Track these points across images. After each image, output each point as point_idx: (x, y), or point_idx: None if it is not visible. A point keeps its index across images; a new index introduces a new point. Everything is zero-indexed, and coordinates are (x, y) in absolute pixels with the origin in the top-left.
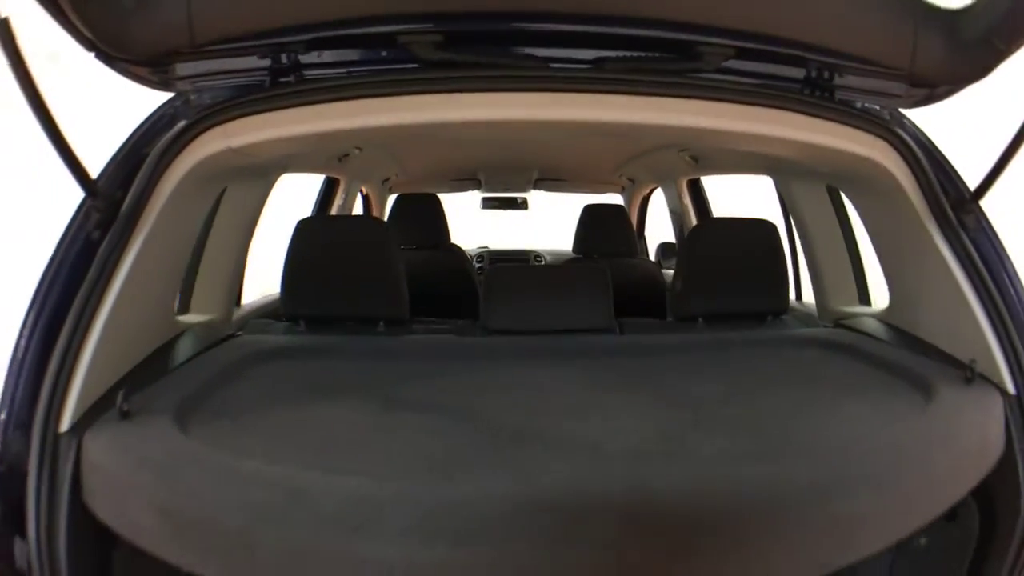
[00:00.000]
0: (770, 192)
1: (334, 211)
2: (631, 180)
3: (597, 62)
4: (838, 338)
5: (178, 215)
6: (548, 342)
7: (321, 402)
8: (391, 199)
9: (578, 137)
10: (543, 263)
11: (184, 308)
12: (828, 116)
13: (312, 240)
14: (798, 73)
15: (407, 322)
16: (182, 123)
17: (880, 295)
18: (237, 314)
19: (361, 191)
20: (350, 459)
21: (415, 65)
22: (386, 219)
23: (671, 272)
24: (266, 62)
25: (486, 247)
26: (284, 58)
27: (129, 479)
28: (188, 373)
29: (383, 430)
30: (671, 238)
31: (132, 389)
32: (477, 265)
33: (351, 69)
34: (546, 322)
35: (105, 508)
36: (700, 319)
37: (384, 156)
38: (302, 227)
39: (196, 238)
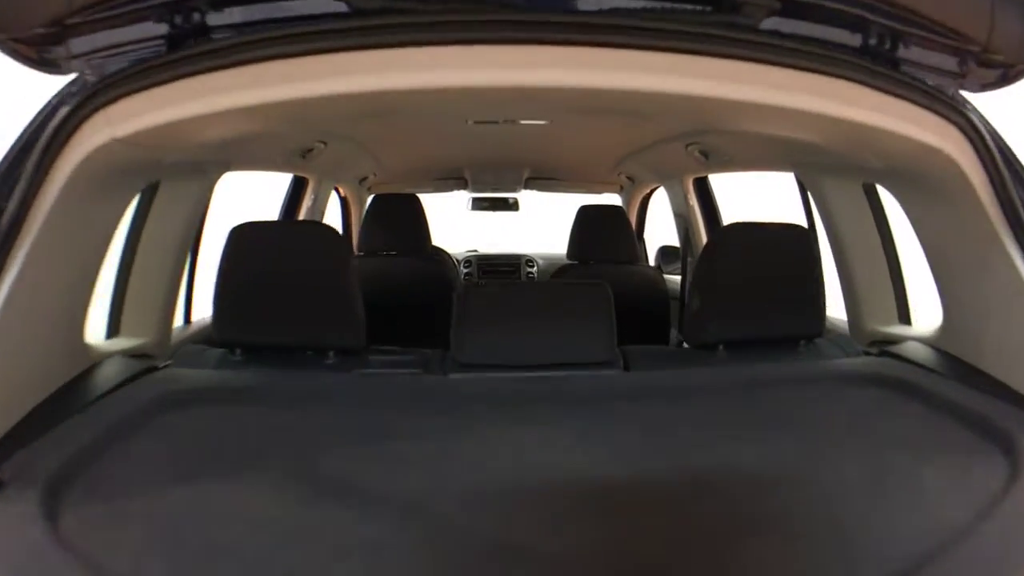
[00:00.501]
0: (769, 191)
1: (302, 214)
2: (630, 179)
3: (606, 8)
4: (888, 372)
5: (73, 223)
6: (534, 384)
7: (230, 479)
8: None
9: (576, 115)
10: (535, 268)
11: (113, 330)
12: (894, 90)
13: (249, 250)
14: (854, 39)
15: (363, 352)
16: (63, 111)
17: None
18: (178, 335)
19: (338, 192)
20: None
21: (344, 11)
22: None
23: (673, 277)
24: (163, 27)
25: (475, 251)
26: (182, 19)
27: None
28: (81, 425)
29: (299, 536)
30: (666, 240)
31: (14, 444)
32: (464, 271)
33: (270, 30)
34: (532, 355)
35: None
36: (720, 346)
37: (357, 152)
38: (237, 234)
39: (105, 248)
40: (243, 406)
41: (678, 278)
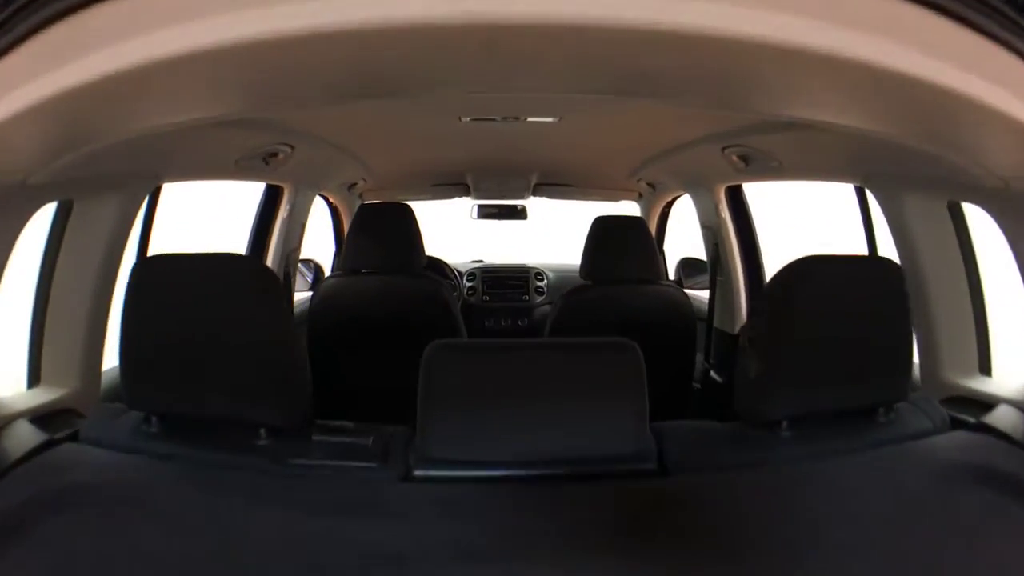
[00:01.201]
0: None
1: (277, 227)
2: (651, 186)
3: None
4: (998, 462)
5: None
6: (532, 505)
7: None
8: None
9: (590, 109)
10: (545, 282)
11: (34, 378)
12: None
13: (158, 291)
14: None
15: (306, 429)
16: None
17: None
18: (111, 379)
19: (328, 201)
20: None
21: None
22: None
23: (697, 294)
24: None
25: (480, 262)
26: None
27: None
28: None
29: None
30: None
31: None
32: (467, 284)
33: None
34: (530, 450)
35: None
36: (784, 423)
37: (336, 155)
38: (142, 271)
39: None
40: (139, 518)
41: (701, 293)
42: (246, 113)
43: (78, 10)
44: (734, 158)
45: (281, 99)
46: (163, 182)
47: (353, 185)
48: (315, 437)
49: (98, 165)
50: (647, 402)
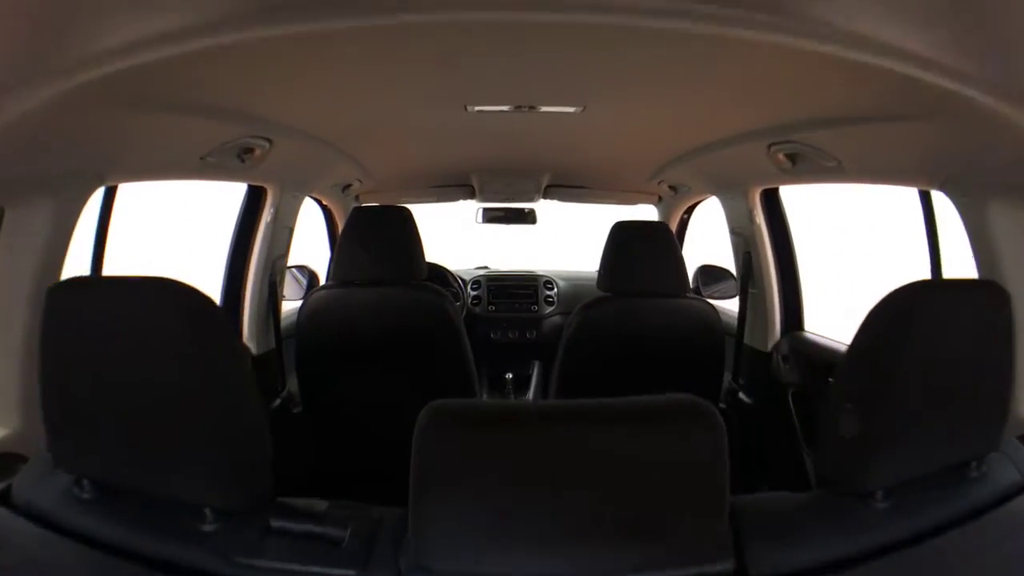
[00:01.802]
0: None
1: (260, 232)
2: (673, 188)
3: None
4: None
5: None
6: None
7: None
8: None
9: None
10: (555, 291)
11: None
12: None
13: (77, 328)
14: None
15: (262, 513)
16: None
17: None
18: None
19: (320, 203)
20: None
21: None
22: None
23: (723, 307)
24: None
25: (485, 268)
26: None
27: None
28: None
29: None
30: None
31: None
32: (472, 293)
33: None
34: (568, 561)
35: None
36: (879, 493)
37: (325, 152)
38: (57, 301)
39: None
40: None
41: (721, 304)
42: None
43: None
44: (780, 157)
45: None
46: (109, 183)
47: (348, 186)
48: (274, 523)
49: (31, 163)
50: (728, 486)
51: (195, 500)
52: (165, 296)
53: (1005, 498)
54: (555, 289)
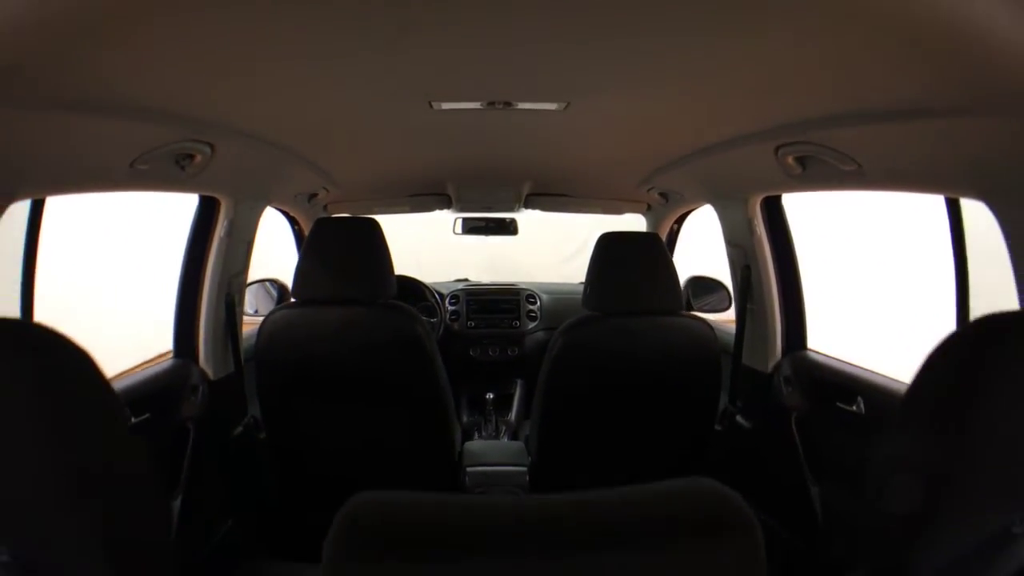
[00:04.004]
0: None
1: (214, 247)
2: (663, 196)
3: None
4: None
5: None
6: None
7: None
8: None
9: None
10: (538, 305)
11: None
12: None
13: None
14: None
15: None
16: None
17: None
18: None
19: (287, 215)
20: None
21: None
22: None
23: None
24: None
25: (465, 280)
26: None
27: None
28: None
29: None
30: None
31: None
32: (451, 308)
33: None
34: None
35: None
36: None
37: (282, 157)
38: None
39: None
40: None
41: (712, 316)
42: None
43: None
44: (790, 160)
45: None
46: (22, 198)
47: (314, 195)
48: None
49: None
50: None
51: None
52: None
53: None
54: (538, 303)
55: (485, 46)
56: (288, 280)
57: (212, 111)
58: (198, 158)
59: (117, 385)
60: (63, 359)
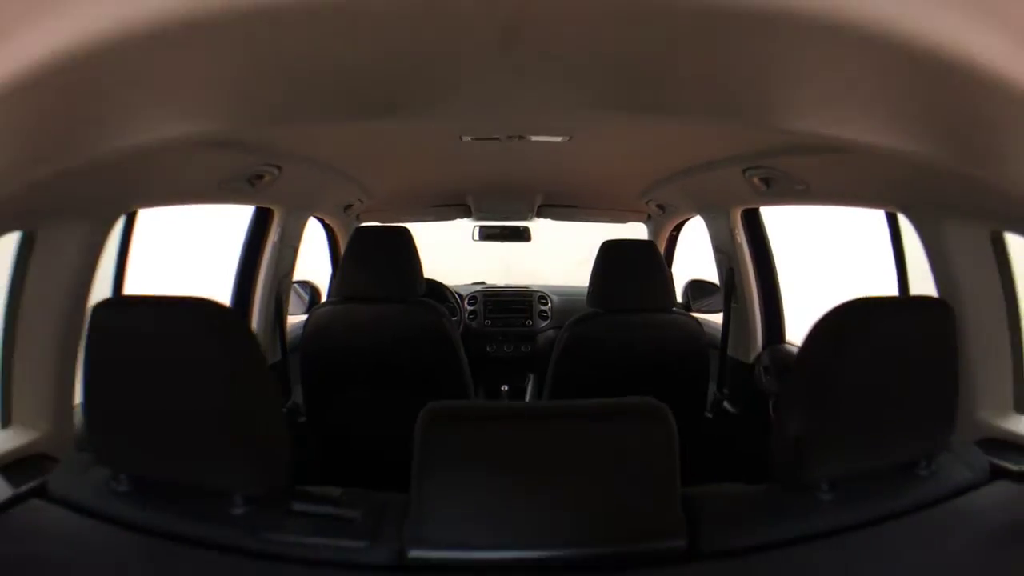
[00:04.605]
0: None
1: (267, 252)
2: (660, 208)
3: None
4: None
5: None
6: None
7: None
8: None
9: (603, 127)
10: (549, 306)
11: (6, 419)
12: None
13: (120, 340)
14: None
15: (283, 499)
16: None
17: None
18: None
19: (323, 222)
20: None
21: None
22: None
23: (706, 317)
24: None
25: (482, 283)
26: None
27: None
28: None
29: None
30: None
31: None
32: (469, 308)
33: None
34: (541, 530)
35: None
36: (823, 484)
37: (330, 175)
38: (101, 316)
39: None
40: None
41: (710, 317)
42: (229, 133)
43: None
44: (755, 180)
45: (266, 115)
46: (135, 208)
47: (349, 206)
48: (296, 506)
49: (62, 191)
50: (679, 473)
51: (226, 488)
52: (199, 313)
53: (952, 495)
54: (549, 304)
55: (508, 98)
56: (312, 279)
57: (286, 142)
58: (267, 177)
59: None
60: (240, 329)
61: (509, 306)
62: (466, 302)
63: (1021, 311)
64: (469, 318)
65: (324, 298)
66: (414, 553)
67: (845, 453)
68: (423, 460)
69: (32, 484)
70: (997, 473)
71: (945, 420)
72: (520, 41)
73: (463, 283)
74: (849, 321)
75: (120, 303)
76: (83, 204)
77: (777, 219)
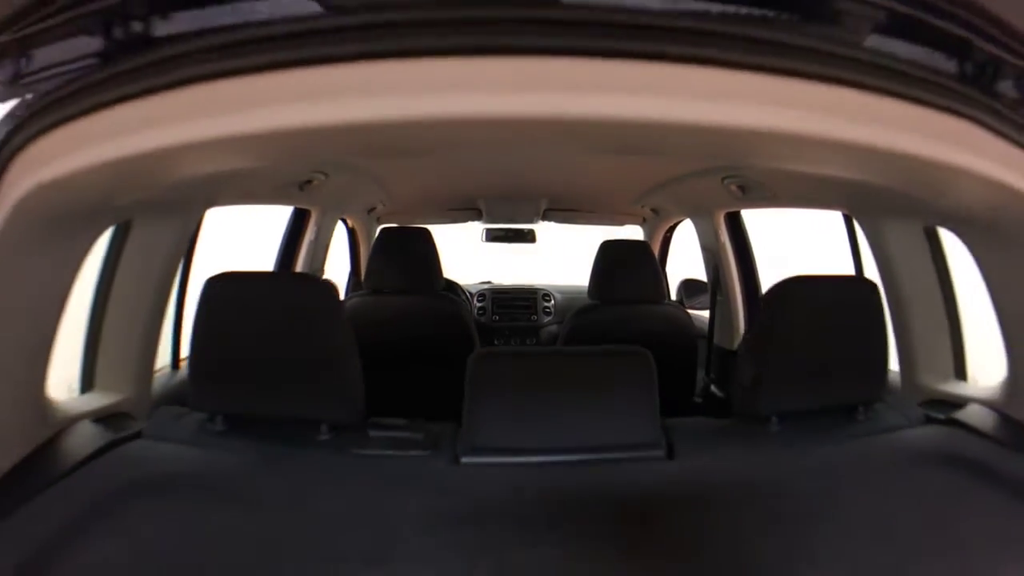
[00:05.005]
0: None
1: (303, 248)
2: (654, 211)
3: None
4: (960, 449)
5: (14, 278)
6: (562, 479)
7: None
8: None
9: (608, 155)
10: (552, 303)
11: (88, 384)
12: (1000, 129)
13: (227, 305)
14: (950, 65)
15: (361, 426)
16: None
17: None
18: (164, 383)
19: (346, 223)
20: None
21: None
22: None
23: (697, 313)
24: (97, 41)
25: (488, 283)
26: (121, 30)
27: None
28: (34, 516)
29: None
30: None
31: None
32: (477, 305)
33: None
34: (560, 439)
35: None
36: (774, 418)
37: (363, 182)
38: (213, 287)
39: (62, 301)
40: (217, 501)
41: (703, 313)
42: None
43: (149, 94)
44: (732, 187)
45: (310, 157)
46: (217, 205)
47: (372, 209)
48: (371, 432)
49: (158, 192)
50: (658, 401)
51: (316, 417)
52: (299, 282)
53: (883, 432)
54: (552, 301)
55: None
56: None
57: (334, 156)
58: (315, 183)
59: None
60: (329, 292)
61: (515, 303)
62: (475, 299)
63: (956, 293)
64: (478, 314)
65: (342, 293)
66: (465, 459)
67: (790, 394)
68: (473, 389)
69: (128, 431)
70: (930, 421)
71: (877, 374)
72: (516, 137)
73: (471, 283)
74: (790, 290)
75: (229, 276)
76: (175, 202)
77: (764, 222)
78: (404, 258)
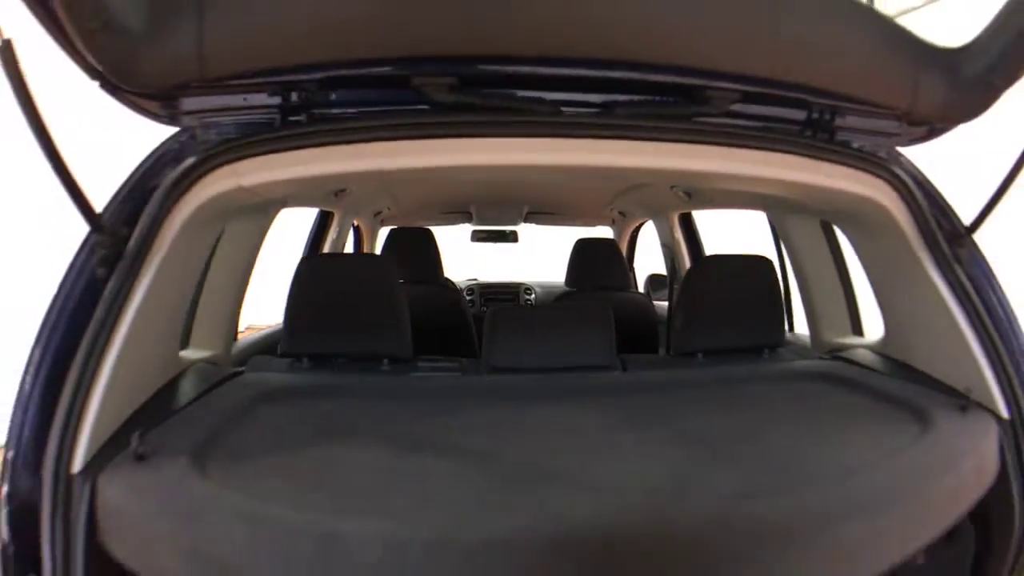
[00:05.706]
0: (754, 223)
1: (327, 246)
2: (622, 214)
3: (606, 106)
4: (836, 371)
5: (184, 252)
6: (553, 380)
7: (337, 445)
8: (383, 232)
9: (576, 178)
10: (533, 296)
11: (184, 343)
12: (828, 158)
13: (315, 278)
14: (800, 115)
15: (411, 360)
16: (191, 159)
17: (874, 326)
18: (235, 348)
19: (353, 224)
20: (378, 504)
21: (425, 107)
22: (378, 252)
23: (661, 304)
24: (276, 100)
25: (475, 279)
26: (295, 96)
27: (151, 523)
28: (198, 413)
29: (406, 474)
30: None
31: (144, 430)
32: (468, 297)
33: (361, 110)
34: (549, 360)
35: (125, 550)
36: (699, 354)
37: (378, 190)
38: (305, 266)
39: (199, 272)
40: (328, 399)
41: (666, 304)
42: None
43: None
44: (680, 193)
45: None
46: (287, 207)
47: (378, 212)
48: (420, 364)
49: (261, 195)
50: (614, 334)
51: (380, 353)
52: (368, 261)
53: (779, 362)
54: (533, 295)
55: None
56: None
57: (378, 175)
58: (347, 191)
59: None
60: (386, 264)
61: (499, 295)
62: (464, 293)
63: (848, 271)
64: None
65: None
66: (487, 376)
67: (710, 336)
68: (490, 327)
69: (234, 370)
70: (822, 359)
71: (776, 326)
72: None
73: (458, 280)
74: (709, 262)
75: (316, 256)
76: (258, 205)
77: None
78: (411, 254)
